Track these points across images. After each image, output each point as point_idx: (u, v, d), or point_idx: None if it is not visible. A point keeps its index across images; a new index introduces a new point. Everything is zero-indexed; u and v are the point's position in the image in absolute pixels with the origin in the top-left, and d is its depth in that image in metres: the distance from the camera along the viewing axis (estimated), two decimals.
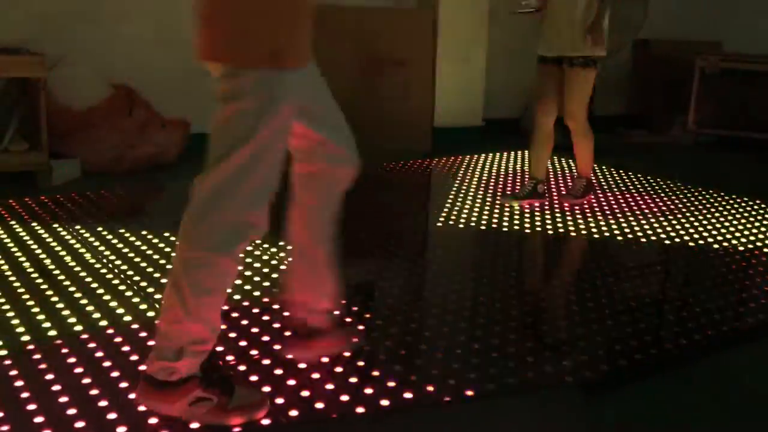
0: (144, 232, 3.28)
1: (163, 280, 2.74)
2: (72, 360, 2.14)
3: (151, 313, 2.47)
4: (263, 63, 1.67)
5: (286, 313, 2.15)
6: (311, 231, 1.99)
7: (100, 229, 3.31)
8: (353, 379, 2.06)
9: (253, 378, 2.06)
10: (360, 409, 1.92)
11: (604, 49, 3.74)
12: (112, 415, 1.86)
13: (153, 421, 1.82)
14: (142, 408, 1.84)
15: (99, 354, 2.18)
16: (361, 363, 2.15)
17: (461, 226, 3.62)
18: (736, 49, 6.86)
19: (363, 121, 5.28)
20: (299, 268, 2.04)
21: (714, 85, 6.21)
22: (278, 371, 2.09)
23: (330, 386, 2.02)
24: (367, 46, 5.30)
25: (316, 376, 2.07)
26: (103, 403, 1.91)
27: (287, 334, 2.19)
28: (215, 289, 1.74)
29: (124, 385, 2.00)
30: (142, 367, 1.90)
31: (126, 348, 2.23)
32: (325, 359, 2.12)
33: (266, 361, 2.14)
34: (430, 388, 2.02)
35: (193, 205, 1.72)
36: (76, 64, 4.32)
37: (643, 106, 6.90)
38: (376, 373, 2.10)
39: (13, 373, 2.04)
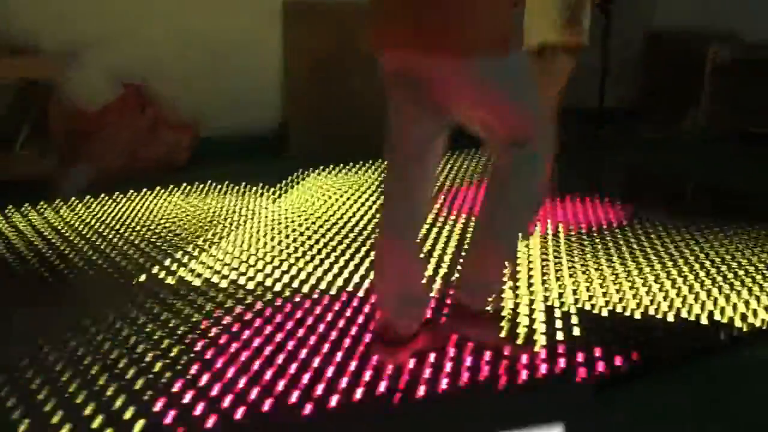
0: (155, 237, 3.31)
1: (171, 282, 2.76)
2: (87, 360, 2.16)
3: (166, 315, 2.49)
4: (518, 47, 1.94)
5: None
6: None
7: (110, 234, 3.33)
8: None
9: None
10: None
11: (584, 39, 3.47)
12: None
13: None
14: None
15: (113, 355, 2.20)
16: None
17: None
18: (753, 40, 6.77)
19: (377, 122, 5.30)
20: None
21: (727, 78, 6.15)
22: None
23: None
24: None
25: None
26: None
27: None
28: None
29: (140, 383, 2.02)
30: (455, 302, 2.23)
31: (140, 348, 2.25)
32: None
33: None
34: (444, 384, 2.06)
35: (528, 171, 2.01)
36: (89, 64, 4.33)
37: (654, 100, 6.84)
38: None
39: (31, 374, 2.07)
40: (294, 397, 2.02)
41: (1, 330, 2.39)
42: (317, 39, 5.11)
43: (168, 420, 1.92)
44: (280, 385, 2.08)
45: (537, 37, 3.49)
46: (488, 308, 2.30)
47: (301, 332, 2.39)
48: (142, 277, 2.83)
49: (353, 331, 2.39)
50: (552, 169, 3.74)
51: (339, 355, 2.23)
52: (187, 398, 2.01)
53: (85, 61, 4.30)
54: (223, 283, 2.78)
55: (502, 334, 2.30)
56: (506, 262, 2.47)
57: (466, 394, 2.00)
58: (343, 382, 2.08)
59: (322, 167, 4.63)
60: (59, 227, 3.41)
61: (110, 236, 3.28)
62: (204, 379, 2.10)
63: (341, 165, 4.71)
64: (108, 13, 4.47)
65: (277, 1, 5.01)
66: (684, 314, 2.56)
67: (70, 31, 4.31)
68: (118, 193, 3.92)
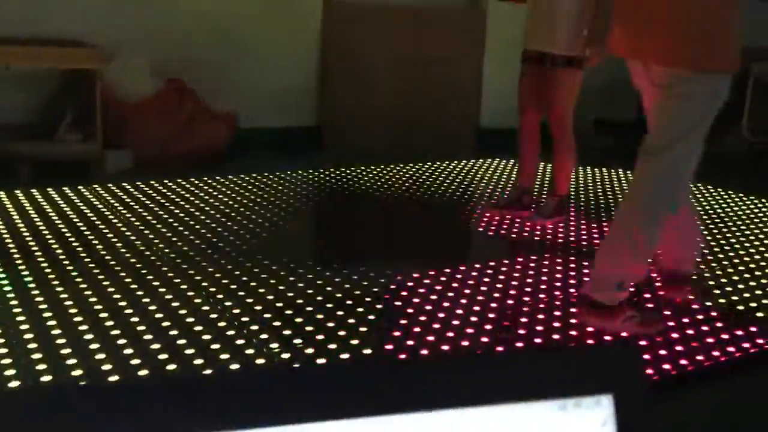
0: (192, 222, 3.35)
1: (208, 268, 2.79)
2: (122, 341, 2.20)
3: (200, 302, 2.52)
4: (724, 67, 2.19)
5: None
6: None
7: (149, 217, 3.38)
8: None
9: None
10: None
11: (586, 50, 3.31)
12: None
13: None
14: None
15: (148, 336, 2.23)
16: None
17: (498, 231, 3.59)
18: None
19: (409, 120, 5.35)
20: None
21: None
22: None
23: None
24: (415, 45, 5.31)
25: None
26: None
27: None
28: (657, 240, 2.28)
29: (172, 366, 2.04)
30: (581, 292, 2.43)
31: (174, 332, 2.28)
32: None
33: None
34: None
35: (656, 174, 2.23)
36: (130, 56, 4.42)
37: None
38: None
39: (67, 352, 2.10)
40: None
41: (36, 307, 2.43)
42: (354, 38, 5.15)
43: None
44: None
45: (537, 45, 3.43)
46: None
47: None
48: (178, 260, 2.87)
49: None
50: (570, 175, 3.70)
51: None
52: None
53: (127, 54, 4.39)
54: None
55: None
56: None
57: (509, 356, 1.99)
58: None
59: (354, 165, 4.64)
60: (99, 208, 3.47)
61: (145, 220, 3.33)
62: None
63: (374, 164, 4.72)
64: (149, 9, 4.56)
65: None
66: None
67: (114, 25, 4.40)
68: (153, 181, 3.98)
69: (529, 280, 2.84)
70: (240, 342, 2.24)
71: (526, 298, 2.67)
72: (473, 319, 2.47)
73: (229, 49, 4.78)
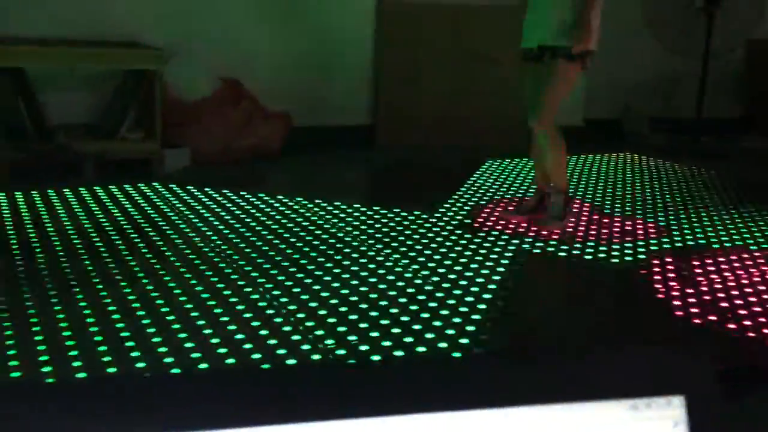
0: (247, 219, 3.42)
1: (260, 261, 2.85)
2: (183, 335, 2.26)
3: (254, 296, 2.57)
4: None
5: None
6: None
7: (207, 214, 3.47)
8: None
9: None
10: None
11: (589, 44, 3.23)
12: None
13: None
14: None
15: (206, 331, 2.29)
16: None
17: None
18: None
19: (459, 119, 5.34)
20: None
21: None
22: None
23: None
24: (464, 43, 5.29)
25: None
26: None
27: None
28: None
29: (222, 351, 2.10)
30: None
31: (232, 327, 2.34)
32: None
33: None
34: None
35: None
36: (190, 57, 4.53)
37: (758, 109, 6.54)
38: None
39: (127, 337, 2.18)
40: None
41: (101, 301, 2.52)
42: (407, 37, 5.16)
43: None
44: None
45: (535, 40, 3.30)
46: None
47: None
48: (235, 256, 2.93)
49: None
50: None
51: None
52: None
53: (185, 55, 4.50)
54: None
55: None
56: None
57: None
58: None
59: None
60: (158, 204, 3.58)
61: (203, 216, 3.42)
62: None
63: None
64: (206, 11, 4.66)
65: (371, 0, 5.09)
66: None
67: (172, 26, 4.51)
68: (211, 179, 4.07)
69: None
70: (296, 338, 2.28)
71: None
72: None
73: (284, 48, 4.85)
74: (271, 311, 2.47)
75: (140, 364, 2.09)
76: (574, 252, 3.19)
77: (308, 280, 2.73)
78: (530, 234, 3.37)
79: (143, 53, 4.21)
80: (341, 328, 2.35)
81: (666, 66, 5.84)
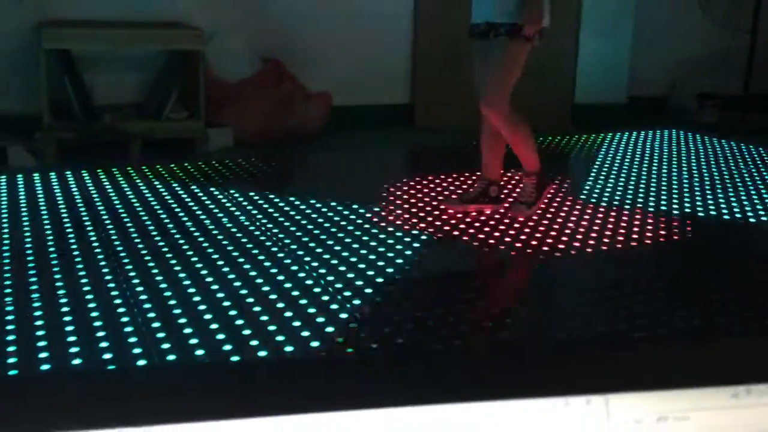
0: (291, 198, 3.45)
1: (306, 240, 2.88)
2: (233, 312, 2.31)
3: (297, 270, 2.61)
4: None
5: None
6: None
7: (251, 193, 3.51)
8: None
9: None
10: None
11: (542, 22, 3.02)
12: None
13: None
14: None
15: (256, 308, 2.33)
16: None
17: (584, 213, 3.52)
18: None
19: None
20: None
21: None
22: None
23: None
24: None
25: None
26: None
27: None
28: None
29: (251, 344, 2.13)
30: None
31: (280, 305, 2.37)
32: None
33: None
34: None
35: None
36: (231, 38, 4.55)
37: None
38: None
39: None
40: None
41: (153, 279, 2.57)
42: (448, 17, 5.11)
43: None
44: None
45: (482, 15, 3.07)
46: None
47: None
48: (281, 234, 2.97)
49: None
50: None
51: None
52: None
53: (226, 35, 4.52)
54: None
55: None
56: None
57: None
58: None
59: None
60: (203, 182, 3.63)
61: (247, 195, 3.46)
62: None
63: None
64: None
65: None
66: None
67: (213, 6, 4.53)
68: (254, 158, 4.11)
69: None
70: (343, 315, 2.30)
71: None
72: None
73: (324, 27, 4.84)
74: (318, 289, 2.50)
75: (199, 351, 2.14)
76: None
77: (353, 258, 2.75)
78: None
79: (186, 34, 4.25)
80: (386, 308, 2.37)
81: (714, 41, 5.69)
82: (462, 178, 3.86)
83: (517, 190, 3.50)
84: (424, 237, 3.02)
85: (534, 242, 2.99)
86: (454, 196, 3.49)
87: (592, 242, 3.02)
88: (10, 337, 2.10)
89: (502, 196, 3.43)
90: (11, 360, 1.99)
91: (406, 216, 3.32)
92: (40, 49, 3.93)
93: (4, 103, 4.26)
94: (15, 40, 4.22)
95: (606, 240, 3.07)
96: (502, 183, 3.47)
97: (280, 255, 2.78)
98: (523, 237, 3.04)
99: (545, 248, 2.94)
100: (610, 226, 3.20)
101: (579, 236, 3.09)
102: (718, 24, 5.61)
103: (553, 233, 3.10)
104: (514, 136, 3.19)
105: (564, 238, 3.05)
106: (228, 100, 4.46)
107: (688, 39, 5.75)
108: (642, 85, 5.74)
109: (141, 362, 2.00)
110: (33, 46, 4.11)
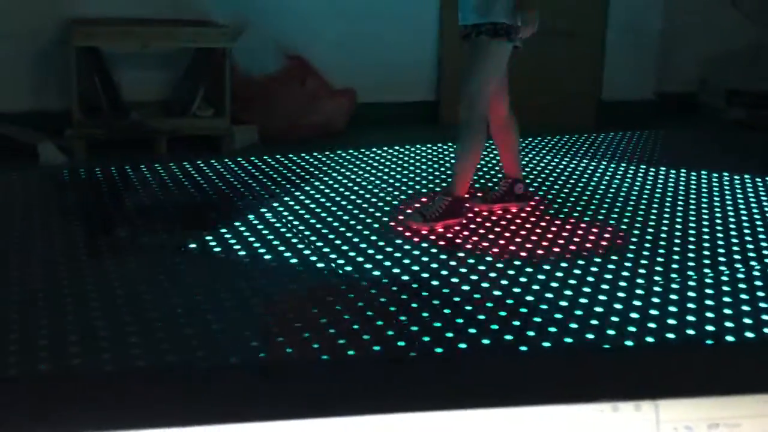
0: (316, 195, 3.46)
1: (332, 237, 2.89)
2: (259, 309, 2.32)
3: (320, 264, 2.61)
4: None
5: None
6: None
7: (277, 190, 3.52)
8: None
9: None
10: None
11: (535, 22, 2.98)
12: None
13: None
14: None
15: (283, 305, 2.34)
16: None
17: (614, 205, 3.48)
18: None
19: (528, 93, 5.23)
20: None
21: None
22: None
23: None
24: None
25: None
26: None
27: None
28: None
29: (277, 339, 2.14)
30: None
31: (307, 303, 2.38)
32: None
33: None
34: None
35: None
36: (256, 35, 4.57)
37: None
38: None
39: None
40: None
41: (177, 271, 2.60)
42: None
43: None
44: None
45: (466, 16, 3.03)
46: None
47: None
48: (307, 232, 2.98)
49: None
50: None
51: None
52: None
53: (252, 32, 4.54)
54: None
55: None
56: None
57: None
58: None
59: None
60: (230, 180, 3.66)
61: (273, 192, 3.47)
62: None
63: None
64: None
65: None
66: None
67: (240, 5, 4.55)
68: (279, 155, 4.12)
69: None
70: (369, 313, 2.31)
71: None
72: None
73: (349, 24, 4.84)
74: (343, 287, 2.50)
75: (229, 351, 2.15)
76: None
77: (379, 256, 2.75)
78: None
79: (213, 31, 4.27)
80: (414, 305, 2.37)
81: (745, 36, 5.59)
82: (488, 176, 3.85)
83: (543, 188, 3.41)
84: (449, 235, 3.01)
85: (571, 241, 2.97)
86: (479, 194, 3.44)
87: (633, 246, 2.98)
88: (43, 331, 2.13)
89: (528, 193, 3.41)
90: (42, 354, 2.02)
91: None
92: (70, 46, 3.98)
93: (34, 100, 4.33)
94: (45, 38, 4.28)
95: (647, 243, 3.03)
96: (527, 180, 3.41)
97: (306, 252, 2.79)
98: (556, 234, 3.02)
99: (583, 247, 2.92)
100: (650, 229, 3.15)
101: (619, 239, 3.07)
102: (750, 19, 5.52)
103: (590, 234, 3.07)
104: (464, 145, 3.06)
105: (603, 242, 3.02)
106: (253, 97, 4.48)
107: (718, 34, 5.66)
108: (670, 82, 5.67)
109: (169, 358, 2.02)
110: (63, 44, 4.16)
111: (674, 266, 2.76)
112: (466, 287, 2.53)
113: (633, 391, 0.44)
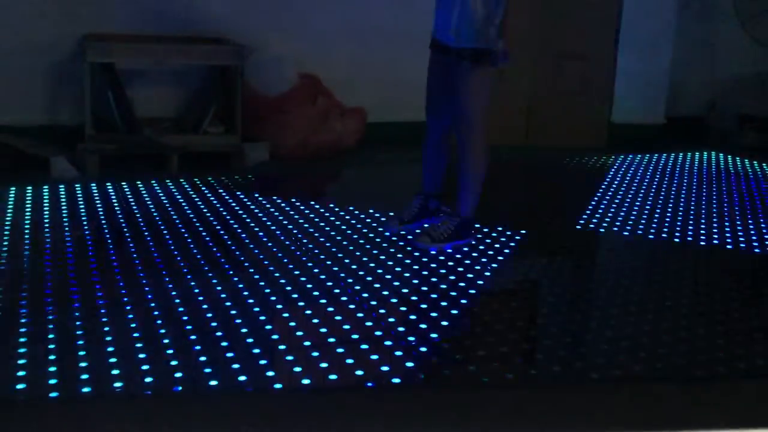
0: (324, 212, 3.46)
1: (339, 255, 2.88)
2: (267, 326, 2.31)
3: (329, 283, 2.61)
4: None
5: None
6: None
7: (286, 207, 3.53)
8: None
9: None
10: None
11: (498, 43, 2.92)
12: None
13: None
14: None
15: (292, 323, 2.34)
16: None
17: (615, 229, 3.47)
18: None
19: (539, 114, 5.25)
20: None
21: None
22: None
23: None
24: (546, 38, 5.20)
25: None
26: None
27: None
28: None
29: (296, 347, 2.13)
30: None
31: (308, 311, 2.38)
32: None
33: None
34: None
35: None
36: (268, 53, 4.60)
37: None
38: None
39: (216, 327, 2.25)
40: None
41: (187, 289, 2.59)
42: None
43: None
44: None
45: (446, 35, 2.98)
46: None
47: None
48: (314, 248, 2.97)
49: None
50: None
51: None
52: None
53: (265, 51, 4.57)
54: None
55: None
56: None
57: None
58: None
59: None
60: (240, 195, 3.66)
61: (282, 210, 3.48)
62: None
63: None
64: (286, 7, 4.72)
65: None
66: None
67: (253, 22, 4.59)
68: (289, 173, 4.14)
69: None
70: (378, 333, 2.30)
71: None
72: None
73: (360, 44, 4.87)
74: (352, 305, 2.49)
75: (235, 367, 2.14)
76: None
77: (388, 276, 2.74)
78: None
79: (226, 50, 4.31)
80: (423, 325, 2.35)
81: (756, 61, 5.60)
82: (497, 197, 3.84)
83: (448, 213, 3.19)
84: (458, 256, 3.00)
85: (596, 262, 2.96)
86: (391, 214, 3.32)
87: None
88: (51, 346, 2.13)
89: (442, 213, 3.22)
90: (51, 379, 2.02)
91: None
92: (85, 62, 4.02)
93: (48, 114, 4.37)
94: (60, 53, 4.33)
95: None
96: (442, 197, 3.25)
97: (316, 270, 2.79)
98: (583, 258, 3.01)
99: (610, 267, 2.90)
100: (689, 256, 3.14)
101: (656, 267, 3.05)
102: (761, 44, 5.53)
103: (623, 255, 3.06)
104: (474, 169, 3.01)
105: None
106: (265, 115, 4.50)
107: (730, 59, 5.67)
108: (681, 106, 5.67)
109: (178, 373, 2.01)
110: (78, 60, 4.20)
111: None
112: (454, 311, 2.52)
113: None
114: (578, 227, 3.48)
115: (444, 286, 2.68)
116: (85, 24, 4.33)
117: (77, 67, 4.18)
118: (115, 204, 3.49)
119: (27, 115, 4.31)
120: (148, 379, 1.98)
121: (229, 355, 2.13)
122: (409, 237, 3.14)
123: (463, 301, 2.56)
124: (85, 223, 3.22)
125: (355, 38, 4.86)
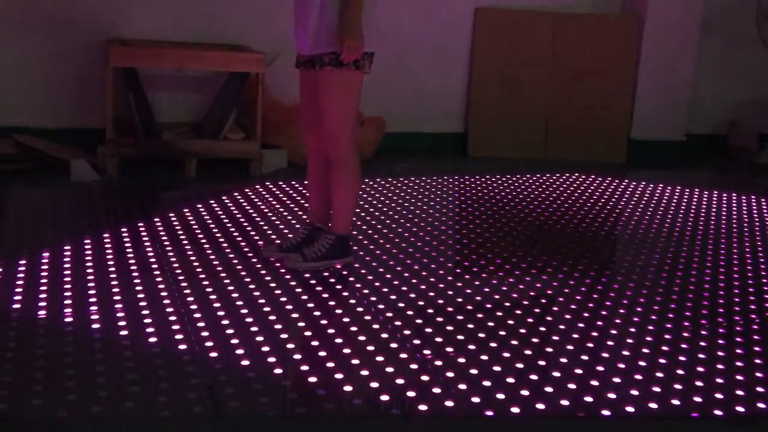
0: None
1: (360, 270, 2.87)
2: (281, 330, 2.31)
3: (345, 293, 2.61)
4: None
5: None
6: None
7: (304, 216, 3.53)
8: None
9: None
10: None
11: (365, 47, 2.78)
12: None
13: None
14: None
15: (308, 333, 2.33)
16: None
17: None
18: None
19: (558, 130, 5.24)
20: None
21: None
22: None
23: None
24: (565, 53, 5.19)
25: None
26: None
27: None
28: None
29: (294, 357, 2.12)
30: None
31: (331, 330, 2.37)
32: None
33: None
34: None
35: None
36: (288, 61, 4.61)
37: None
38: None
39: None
40: None
41: (207, 297, 2.60)
42: (504, 48, 5.11)
43: None
44: None
45: (304, 45, 2.80)
46: None
47: None
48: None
49: None
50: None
51: None
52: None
53: (285, 58, 4.58)
54: None
55: None
56: None
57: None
58: None
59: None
60: (258, 203, 3.67)
61: (300, 218, 3.48)
62: None
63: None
64: None
65: (469, 6, 5.06)
66: None
67: (271, 29, 4.61)
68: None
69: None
70: (394, 346, 2.29)
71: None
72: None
73: (380, 54, 4.88)
74: (368, 317, 2.49)
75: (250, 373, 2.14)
76: None
77: (404, 288, 2.74)
78: None
79: (247, 57, 4.33)
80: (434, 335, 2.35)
81: None
82: (515, 210, 3.83)
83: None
84: (475, 269, 2.99)
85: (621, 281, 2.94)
86: (277, 241, 3.13)
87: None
88: (68, 348, 2.14)
89: (327, 244, 2.91)
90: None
91: (458, 246, 3.30)
92: (108, 66, 4.06)
93: (70, 117, 4.41)
94: (83, 58, 4.38)
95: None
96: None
97: (332, 280, 2.79)
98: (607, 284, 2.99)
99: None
100: (707, 285, 3.02)
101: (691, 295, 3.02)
102: None
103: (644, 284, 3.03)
104: (345, 183, 2.86)
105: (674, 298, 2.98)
106: (284, 122, 4.52)
107: (751, 76, 5.63)
108: (701, 123, 5.63)
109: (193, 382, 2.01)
110: (100, 64, 4.25)
111: None
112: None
113: None
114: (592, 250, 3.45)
115: (450, 309, 2.67)
116: (109, 29, 4.38)
117: (100, 72, 4.22)
118: (135, 208, 3.50)
119: (50, 118, 4.36)
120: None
121: (244, 362, 2.13)
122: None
123: (470, 326, 2.55)
124: (104, 226, 3.24)
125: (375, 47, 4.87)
